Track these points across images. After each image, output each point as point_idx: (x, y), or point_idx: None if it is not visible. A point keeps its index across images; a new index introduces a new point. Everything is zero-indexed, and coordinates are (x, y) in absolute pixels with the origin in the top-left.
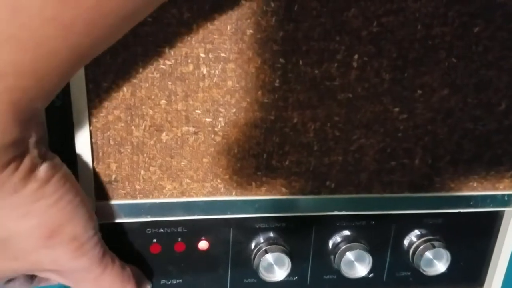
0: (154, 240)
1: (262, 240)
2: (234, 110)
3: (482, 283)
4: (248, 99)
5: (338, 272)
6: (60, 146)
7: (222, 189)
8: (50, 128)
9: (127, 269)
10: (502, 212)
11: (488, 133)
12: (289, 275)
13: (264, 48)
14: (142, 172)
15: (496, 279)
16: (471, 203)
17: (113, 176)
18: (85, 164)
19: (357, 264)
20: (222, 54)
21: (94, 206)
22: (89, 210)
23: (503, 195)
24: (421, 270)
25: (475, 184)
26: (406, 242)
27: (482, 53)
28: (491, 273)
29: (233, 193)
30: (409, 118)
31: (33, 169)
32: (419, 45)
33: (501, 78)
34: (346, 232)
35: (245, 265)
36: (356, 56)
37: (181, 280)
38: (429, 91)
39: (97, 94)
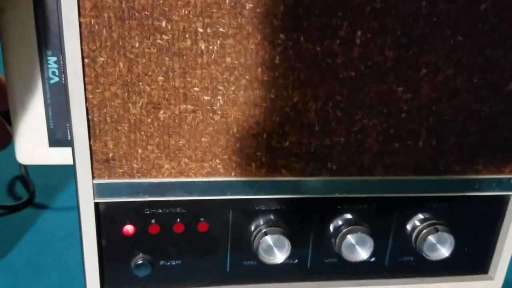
0: (153, 221)
1: (262, 222)
2: (233, 88)
3: (487, 270)
4: (247, 77)
5: (339, 255)
6: (56, 124)
7: (221, 169)
8: (46, 106)
9: None
10: (508, 196)
11: (494, 115)
12: (289, 258)
13: (264, 23)
14: (140, 150)
15: (501, 265)
16: (476, 186)
17: (110, 154)
18: (81, 141)
19: (358, 248)
20: (221, 29)
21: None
22: None
23: (509, 179)
24: (424, 255)
25: (480, 167)
26: (409, 226)
27: (489, 32)
28: (496, 260)
29: (232, 174)
30: (413, 98)
31: None
32: (424, 22)
33: (508, 57)
34: (348, 215)
35: (245, 247)
36: (359, 33)
37: (180, 262)
38: (434, 70)
39: (93, 69)
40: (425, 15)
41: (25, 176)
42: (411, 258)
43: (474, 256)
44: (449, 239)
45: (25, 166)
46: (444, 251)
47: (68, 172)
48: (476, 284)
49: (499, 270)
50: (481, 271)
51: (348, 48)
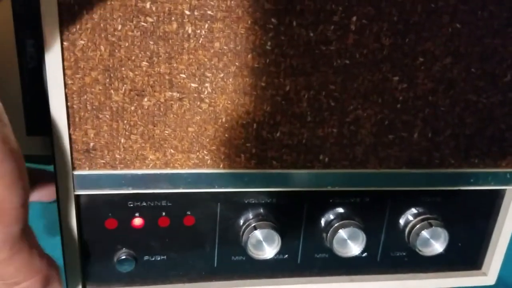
0: (137, 214)
1: (251, 216)
2: (221, 75)
3: (480, 266)
4: (237, 63)
5: (330, 250)
6: (34, 111)
7: (208, 161)
8: (23, 92)
9: (43, 260)
10: (504, 190)
11: (492, 106)
12: (279, 253)
13: (254, 6)
14: (123, 140)
15: (495, 261)
16: (472, 180)
17: (91, 144)
18: (60, 130)
19: (350, 243)
20: (209, 12)
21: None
22: (19, 169)
23: (505, 173)
24: (417, 250)
25: (476, 161)
26: (402, 220)
27: (488, 19)
28: (489, 255)
29: (221, 166)
30: (409, 88)
31: None
32: (421, 8)
33: (507, 47)
34: (340, 209)
35: (233, 242)
36: (354, 18)
37: (165, 257)
38: (431, 59)
39: (73, 53)
40: (423, 1)
41: None
42: (404, 254)
43: (467, 252)
44: (443, 234)
45: None
46: (437, 247)
47: (50, 162)
48: (469, 280)
49: (492, 266)
50: (475, 267)
51: (342, 34)
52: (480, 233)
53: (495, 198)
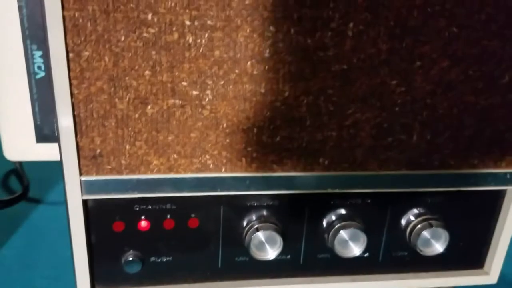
0: (143, 217)
1: (253, 218)
2: (222, 82)
3: (482, 265)
4: (236, 71)
5: (332, 251)
6: (43, 120)
7: (211, 165)
8: (32, 101)
9: None
10: (504, 191)
11: (491, 107)
12: (281, 253)
13: (253, 15)
14: (128, 146)
15: (497, 261)
16: (472, 181)
17: (98, 151)
18: (68, 138)
19: (351, 243)
20: (209, 22)
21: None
22: None
23: (505, 173)
24: (418, 250)
25: (475, 162)
26: (403, 221)
27: (485, 22)
28: (491, 255)
29: (223, 170)
30: (407, 91)
31: None
32: (418, 12)
33: (504, 48)
34: (341, 211)
35: (237, 243)
36: (351, 25)
37: (171, 258)
38: (428, 63)
39: (78, 63)
40: (419, 5)
41: (20, 170)
42: (405, 254)
43: (469, 251)
44: (444, 234)
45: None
46: (438, 247)
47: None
48: (471, 279)
49: (494, 265)
50: (477, 266)
51: (340, 40)
52: (482, 233)
53: (496, 198)
